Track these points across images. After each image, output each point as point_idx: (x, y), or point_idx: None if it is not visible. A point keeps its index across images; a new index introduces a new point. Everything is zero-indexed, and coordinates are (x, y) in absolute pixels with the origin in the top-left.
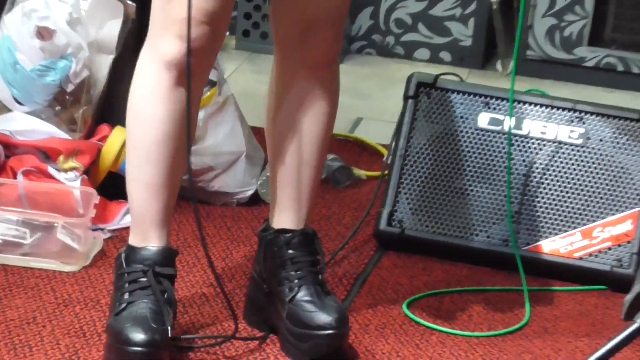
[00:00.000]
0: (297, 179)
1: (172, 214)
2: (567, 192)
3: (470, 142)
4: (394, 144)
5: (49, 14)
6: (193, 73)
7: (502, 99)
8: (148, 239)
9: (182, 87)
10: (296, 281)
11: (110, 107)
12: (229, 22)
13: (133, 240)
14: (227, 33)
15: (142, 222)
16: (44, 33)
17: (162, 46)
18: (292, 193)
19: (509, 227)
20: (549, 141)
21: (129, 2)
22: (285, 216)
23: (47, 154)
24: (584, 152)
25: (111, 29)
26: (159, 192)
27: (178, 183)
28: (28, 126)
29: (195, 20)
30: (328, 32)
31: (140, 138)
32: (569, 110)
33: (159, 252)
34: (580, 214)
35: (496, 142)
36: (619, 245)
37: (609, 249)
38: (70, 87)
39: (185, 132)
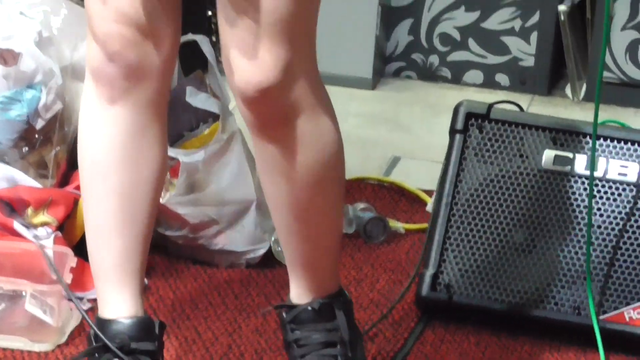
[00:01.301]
0: (289, 249)
1: (139, 271)
2: None
3: (533, 187)
4: (438, 189)
5: (12, 33)
6: (124, 89)
7: (572, 133)
8: (111, 306)
9: (116, 106)
10: None
11: None
12: (176, 33)
13: (100, 309)
14: None
15: (96, 280)
16: (6, 57)
17: (88, 54)
18: (291, 262)
19: (586, 291)
20: (630, 184)
21: None
22: (291, 288)
23: (13, 206)
24: None
25: None
26: (111, 240)
27: (140, 230)
28: None
29: (104, 18)
30: (262, 66)
31: (81, 170)
32: None
33: (131, 324)
34: None
35: (564, 186)
36: None
37: None
38: (39, 123)
39: (138, 163)
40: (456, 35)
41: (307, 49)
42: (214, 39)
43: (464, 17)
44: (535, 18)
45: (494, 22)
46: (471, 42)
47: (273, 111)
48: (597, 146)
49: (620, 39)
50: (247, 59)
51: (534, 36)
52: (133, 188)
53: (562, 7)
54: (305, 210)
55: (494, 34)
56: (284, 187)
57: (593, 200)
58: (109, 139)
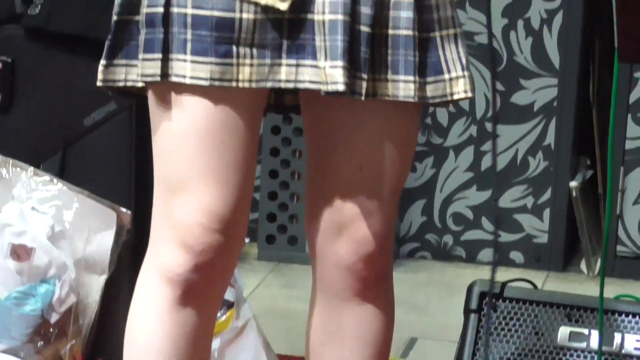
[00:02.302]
0: None
1: None
2: None
3: None
4: None
5: (25, 228)
6: (201, 292)
7: (587, 309)
8: None
9: (188, 307)
10: None
11: (105, 339)
12: (247, 228)
13: None
14: (247, 240)
15: None
16: (20, 252)
17: (163, 256)
18: None
19: None
20: None
21: (123, 210)
22: None
23: None
24: None
25: (102, 243)
26: None
27: None
28: None
29: (204, 227)
30: (367, 232)
31: None
32: None
33: None
34: None
35: None
36: None
37: None
38: (54, 317)
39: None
40: (469, 214)
41: (397, 213)
42: None
43: (477, 196)
44: (547, 195)
45: (506, 200)
46: (484, 221)
47: (374, 273)
48: (612, 321)
49: (632, 213)
50: (355, 232)
51: (546, 213)
52: None
53: (573, 183)
54: None
55: (507, 212)
56: (366, 351)
57: None
58: (175, 339)
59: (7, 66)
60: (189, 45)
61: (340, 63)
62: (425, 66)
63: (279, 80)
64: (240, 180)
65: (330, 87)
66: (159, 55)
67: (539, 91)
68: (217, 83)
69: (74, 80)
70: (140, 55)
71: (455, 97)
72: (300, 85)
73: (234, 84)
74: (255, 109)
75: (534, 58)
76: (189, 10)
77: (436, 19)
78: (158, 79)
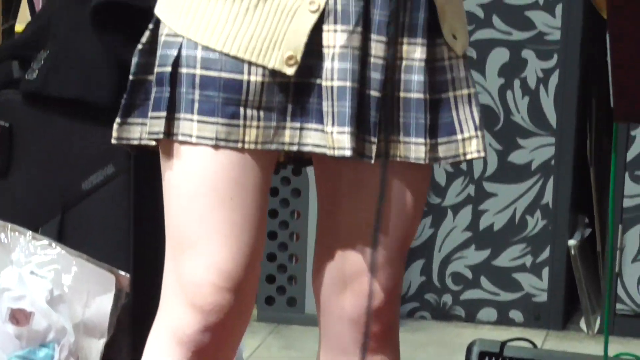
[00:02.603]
0: None
1: None
2: None
3: None
4: None
5: (24, 292)
6: (213, 353)
7: None
8: None
9: None
10: None
11: None
12: (257, 288)
13: None
14: None
15: None
16: (19, 317)
17: (173, 316)
18: None
19: None
20: None
21: (122, 273)
22: None
23: None
24: None
25: (101, 307)
26: None
27: None
28: None
29: (214, 286)
30: (374, 286)
31: None
32: None
33: None
34: None
35: None
36: None
37: None
38: None
39: None
40: (468, 274)
41: (404, 267)
42: None
43: (475, 255)
44: (545, 254)
45: (505, 260)
46: (483, 280)
47: (381, 326)
48: None
49: (631, 271)
50: (361, 285)
51: (545, 271)
52: None
53: (572, 242)
54: None
55: (506, 271)
56: None
57: None
58: None
59: (5, 131)
60: (196, 106)
61: (347, 129)
62: (437, 127)
63: (283, 143)
64: (250, 238)
65: (337, 152)
66: (164, 114)
67: (536, 150)
68: (222, 143)
69: (72, 144)
70: (149, 114)
71: (468, 157)
72: (304, 148)
73: (239, 145)
74: (264, 168)
75: (531, 117)
76: (198, 71)
77: (450, 79)
78: (161, 136)
